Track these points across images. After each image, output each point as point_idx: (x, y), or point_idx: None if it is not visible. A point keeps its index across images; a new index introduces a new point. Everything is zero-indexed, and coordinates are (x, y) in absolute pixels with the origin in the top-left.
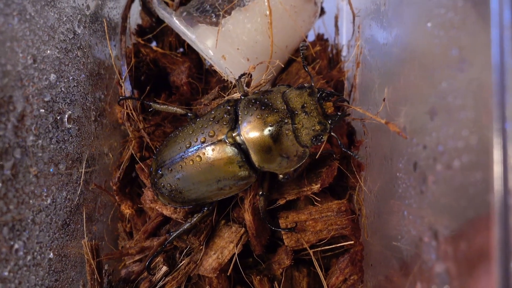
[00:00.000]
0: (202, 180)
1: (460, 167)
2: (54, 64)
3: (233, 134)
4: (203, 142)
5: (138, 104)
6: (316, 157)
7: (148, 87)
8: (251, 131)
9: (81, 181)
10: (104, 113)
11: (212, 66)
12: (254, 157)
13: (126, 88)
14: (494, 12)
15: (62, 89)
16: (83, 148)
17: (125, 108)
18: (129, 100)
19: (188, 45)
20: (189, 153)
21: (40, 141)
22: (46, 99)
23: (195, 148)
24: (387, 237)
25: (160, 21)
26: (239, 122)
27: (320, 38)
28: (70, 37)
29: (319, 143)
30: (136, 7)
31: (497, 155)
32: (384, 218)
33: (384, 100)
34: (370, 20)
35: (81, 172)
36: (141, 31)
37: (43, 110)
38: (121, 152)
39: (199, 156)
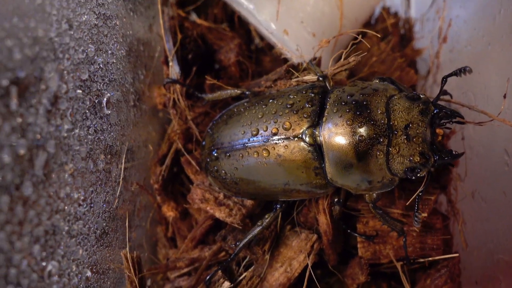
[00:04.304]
0: (265, 179)
1: None
2: (92, 33)
3: (315, 132)
4: (275, 134)
5: (184, 89)
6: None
7: (194, 68)
8: (334, 136)
9: (121, 179)
10: (142, 97)
11: (263, 42)
12: (328, 168)
13: (174, 69)
14: None
15: (101, 65)
16: (123, 139)
17: (172, 92)
18: (176, 84)
19: (239, 18)
20: (254, 143)
21: (76, 131)
22: (83, 77)
23: (263, 138)
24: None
25: None
26: (323, 119)
27: (386, 10)
28: (109, 1)
29: (413, 177)
30: None
31: None
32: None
33: (504, 96)
34: None
35: (121, 168)
36: (181, 1)
37: (80, 91)
38: (159, 143)
39: (266, 149)
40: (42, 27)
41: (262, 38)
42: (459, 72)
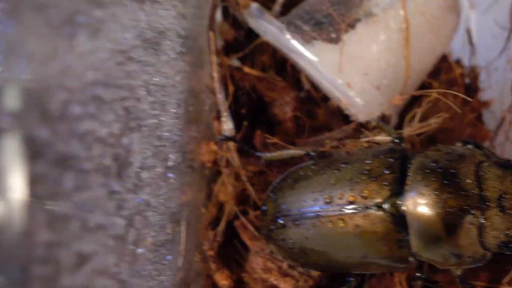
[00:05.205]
0: (341, 251)
1: None
2: (159, 94)
3: (397, 201)
4: (352, 203)
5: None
6: None
7: (245, 123)
8: (420, 207)
9: (184, 247)
10: (193, 155)
11: (318, 93)
12: (413, 241)
13: (228, 125)
14: None
15: (166, 127)
16: (183, 203)
17: (225, 150)
18: (230, 141)
19: (292, 66)
20: (328, 212)
21: (152, 201)
22: (156, 143)
23: (338, 207)
24: None
25: (250, 35)
26: (406, 188)
27: (444, 59)
28: (173, 57)
29: (508, 252)
30: None
31: None
32: None
33: None
34: None
35: (182, 236)
36: (227, 48)
37: (152, 159)
38: (206, 204)
39: (342, 219)
40: (129, 95)
41: (316, 88)
42: None
